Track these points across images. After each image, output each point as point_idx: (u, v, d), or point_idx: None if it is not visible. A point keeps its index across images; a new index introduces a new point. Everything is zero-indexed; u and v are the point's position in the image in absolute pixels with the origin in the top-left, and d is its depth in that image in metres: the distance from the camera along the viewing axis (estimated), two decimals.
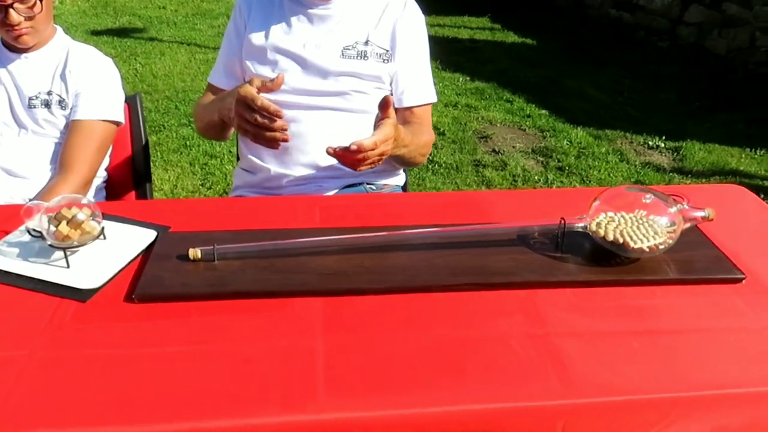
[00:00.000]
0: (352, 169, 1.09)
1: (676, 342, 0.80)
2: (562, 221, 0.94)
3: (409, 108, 1.37)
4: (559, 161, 2.99)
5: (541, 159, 3.02)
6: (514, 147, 3.13)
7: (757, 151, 3.23)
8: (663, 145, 3.25)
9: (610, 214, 0.96)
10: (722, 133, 3.44)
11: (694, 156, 3.12)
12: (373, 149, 1.05)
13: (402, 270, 0.90)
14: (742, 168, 3.05)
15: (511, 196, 1.15)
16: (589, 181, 2.81)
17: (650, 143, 3.26)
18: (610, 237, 0.91)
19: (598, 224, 0.94)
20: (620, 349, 0.78)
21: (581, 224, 0.95)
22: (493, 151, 3.08)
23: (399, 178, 1.48)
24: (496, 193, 1.10)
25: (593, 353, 0.77)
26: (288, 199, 1.16)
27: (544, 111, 3.59)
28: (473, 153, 3.03)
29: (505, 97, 3.77)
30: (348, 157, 1.05)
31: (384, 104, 1.08)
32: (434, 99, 1.41)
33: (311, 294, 0.86)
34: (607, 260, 0.93)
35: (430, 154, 3.05)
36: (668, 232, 0.91)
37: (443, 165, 2.91)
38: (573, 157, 3.03)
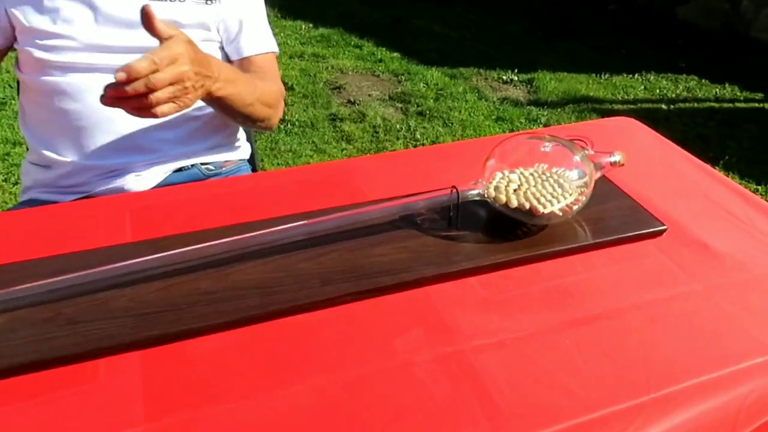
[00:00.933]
0: (138, 115, 0.75)
1: (615, 329, 0.64)
2: (454, 190, 0.74)
3: (247, 58, 1.08)
4: (418, 106, 2.82)
5: (400, 105, 2.85)
6: (369, 95, 2.92)
7: (602, 76, 3.29)
8: (516, 78, 3.20)
9: (507, 172, 0.77)
10: (568, 61, 3.47)
11: (546, 86, 3.11)
12: (153, 71, 0.71)
13: (254, 289, 0.65)
14: (592, 93, 3.09)
15: (383, 161, 0.94)
16: (452, 124, 2.69)
17: (504, 78, 3.21)
18: (514, 203, 0.72)
19: (497, 188, 0.74)
20: (554, 353, 0.60)
21: (476, 190, 0.75)
22: (349, 102, 2.84)
23: (241, 151, 1.20)
24: (364, 159, 0.86)
25: (522, 367, 0.59)
26: (84, 204, 0.84)
27: (395, 54, 3.40)
28: (327, 106, 2.78)
29: (353, 43, 3.52)
30: (120, 95, 0.70)
31: (144, 16, 0.74)
32: (276, 48, 1.12)
33: (122, 349, 0.59)
34: (513, 232, 0.75)
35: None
36: (579, 188, 0.74)
37: (297, 123, 2.63)
38: (432, 100, 2.89)
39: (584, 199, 0.74)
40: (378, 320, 0.64)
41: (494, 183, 0.75)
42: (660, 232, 0.76)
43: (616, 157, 0.79)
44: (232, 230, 0.71)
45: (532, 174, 0.76)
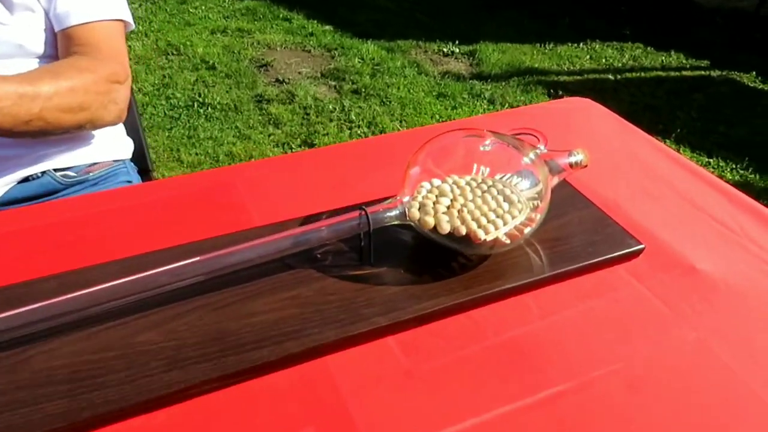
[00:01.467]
0: None
1: (586, 408, 0.45)
2: (363, 213, 0.54)
3: (65, 31, 0.81)
4: (353, 83, 2.60)
5: (333, 83, 2.61)
6: (299, 73, 2.67)
7: (546, 46, 3.14)
8: (458, 50, 3.01)
9: (438, 182, 0.57)
10: (512, 31, 3.30)
11: (489, 58, 2.93)
12: None
13: (63, 384, 0.44)
14: (537, 65, 2.93)
15: (287, 164, 0.72)
16: (390, 102, 2.48)
17: (445, 50, 3.01)
18: (445, 227, 0.53)
19: (423, 207, 0.55)
20: None
21: (394, 211, 0.55)
22: (277, 81, 2.59)
23: (118, 149, 0.96)
24: (254, 165, 0.62)
25: None
26: None
27: (328, 27, 3.15)
28: (253, 87, 2.52)
29: (282, 15, 3.24)
30: None
31: None
32: (114, 14, 0.84)
33: None
34: (446, 266, 0.55)
35: (199, 95, 2.50)
36: (531, 200, 0.55)
37: (218, 107, 2.36)
38: (368, 77, 2.66)
39: (539, 216, 0.55)
40: (251, 416, 0.44)
41: (419, 199, 0.55)
42: (636, 253, 0.59)
43: (578, 157, 0.61)
44: (49, 284, 0.50)
45: (469, 184, 0.57)
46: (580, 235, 0.59)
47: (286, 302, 0.51)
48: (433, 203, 0.55)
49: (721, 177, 1.76)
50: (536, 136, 0.63)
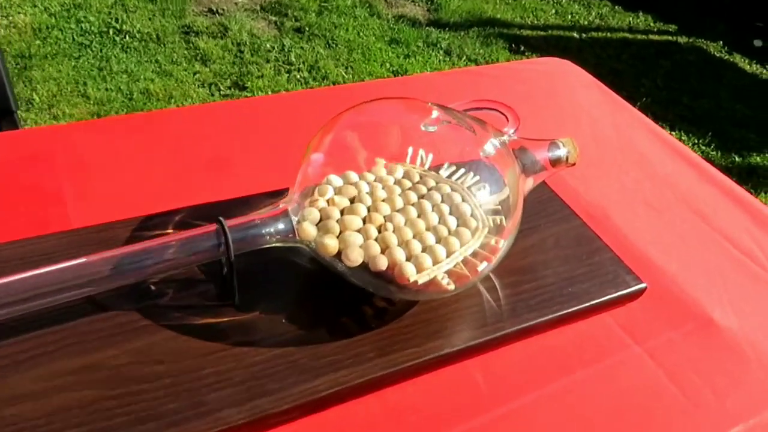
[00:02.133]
0: None
1: None
2: (219, 226, 0.33)
3: None
4: (296, 20, 2.32)
5: (274, 19, 2.32)
6: (236, 4, 2.36)
7: None
8: None
9: (354, 178, 0.37)
10: None
11: (449, 4, 2.69)
12: None
13: None
14: (499, 16, 2.71)
15: (137, 128, 0.50)
16: (336, 45, 2.22)
17: None
18: (356, 258, 0.33)
19: (323, 222, 0.34)
20: None
21: (275, 225, 0.34)
22: (209, 11, 2.28)
23: None
24: (98, 124, 0.38)
25: None
26: None
27: None
28: (181, 15, 2.21)
29: None
30: None
31: None
32: None
33: None
34: (356, 312, 0.36)
35: (116, 20, 2.17)
36: (493, 215, 0.36)
37: (138, 36, 2.05)
38: (313, 14, 2.38)
39: (503, 244, 0.35)
40: None
41: (318, 207, 0.35)
42: (634, 296, 0.41)
43: (562, 150, 0.41)
44: None
45: (400, 184, 0.37)
46: (556, 266, 0.41)
47: (77, 377, 0.30)
48: (341, 215, 0.35)
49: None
50: (504, 114, 0.43)
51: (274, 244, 0.34)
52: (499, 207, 0.37)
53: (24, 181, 0.42)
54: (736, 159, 2.03)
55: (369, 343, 0.34)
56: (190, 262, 0.32)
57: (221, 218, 0.33)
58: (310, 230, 0.34)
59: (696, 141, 2.09)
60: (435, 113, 0.40)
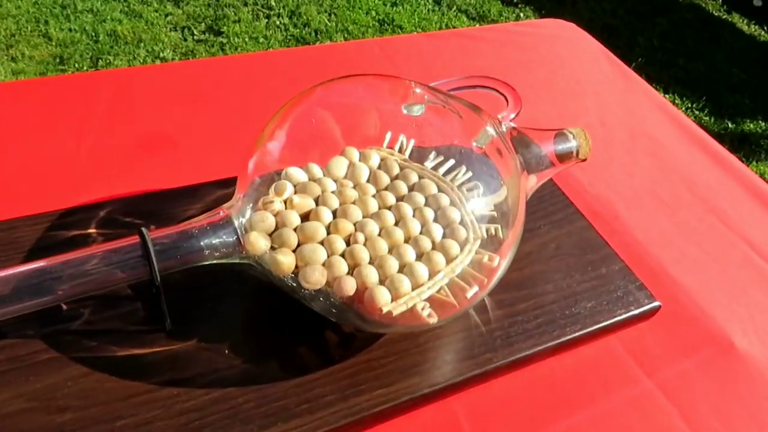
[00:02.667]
0: None
1: None
2: (141, 235, 0.26)
3: None
4: None
5: None
6: None
7: None
8: None
9: (317, 173, 0.30)
10: None
11: None
12: None
13: None
14: None
15: (70, 86, 0.43)
16: None
17: None
18: (317, 280, 0.27)
19: (277, 233, 0.28)
20: None
21: (216, 236, 0.28)
22: None
23: None
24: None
25: None
26: None
27: None
28: None
29: None
30: None
31: None
32: None
33: None
34: (316, 340, 0.30)
35: None
36: (487, 224, 0.30)
37: None
38: None
39: (499, 263, 0.29)
40: None
41: (269, 214, 0.28)
42: (645, 316, 0.35)
43: (571, 143, 0.34)
44: None
45: (374, 180, 0.30)
46: (557, 280, 0.34)
47: None
48: (300, 222, 0.28)
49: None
50: (503, 95, 0.36)
51: (214, 261, 0.27)
52: (495, 213, 0.30)
53: None
54: (729, 125, 1.98)
55: (329, 382, 0.28)
56: (106, 284, 0.25)
57: (143, 229, 0.26)
58: (259, 243, 0.27)
59: (690, 105, 2.02)
60: (419, 94, 0.32)
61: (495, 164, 0.32)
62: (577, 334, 0.32)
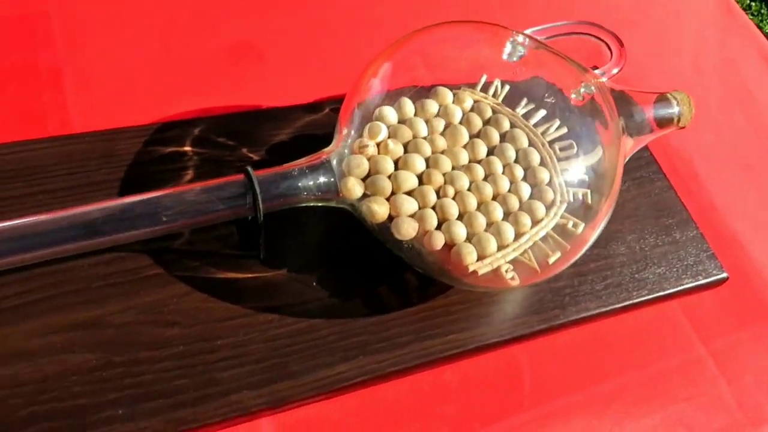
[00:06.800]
0: None
1: None
2: (247, 175, 0.27)
3: None
4: None
5: None
6: None
7: None
8: None
9: (409, 113, 0.30)
10: None
11: None
12: None
13: None
14: None
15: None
16: None
17: None
18: (408, 232, 0.28)
19: (372, 179, 0.28)
20: None
21: (313, 178, 0.28)
22: None
23: None
24: None
25: None
26: None
27: None
28: None
29: None
30: None
31: None
32: None
33: None
34: (397, 281, 0.31)
35: None
36: (578, 187, 0.30)
37: None
38: None
39: (587, 236, 0.29)
40: None
41: (364, 159, 0.29)
42: (712, 286, 0.35)
43: (674, 109, 0.33)
44: None
45: (467, 120, 0.30)
46: (630, 242, 0.35)
47: (76, 334, 0.26)
48: (394, 168, 0.29)
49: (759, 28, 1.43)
50: (607, 45, 0.34)
51: (311, 203, 0.28)
52: (587, 177, 0.30)
53: (15, 55, 0.35)
54: None
55: (407, 323, 0.30)
56: (210, 220, 0.27)
57: (249, 168, 0.27)
58: (356, 189, 0.28)
59: None
60: (520, 41, 0.31)
61: (593, 122, 0.31)
62: (642, 299, 0.33)
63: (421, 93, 0.32)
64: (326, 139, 0.33)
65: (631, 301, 0.33)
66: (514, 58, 0.32)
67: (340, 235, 0.32)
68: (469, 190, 0.29)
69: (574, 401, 0.31)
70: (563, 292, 0.32)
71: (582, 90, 0.32)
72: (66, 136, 0.32)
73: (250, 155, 0.33)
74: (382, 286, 0.31)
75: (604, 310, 0.32)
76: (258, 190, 0.26)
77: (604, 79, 0.32)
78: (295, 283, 0.30)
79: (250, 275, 0.30)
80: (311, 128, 0.35)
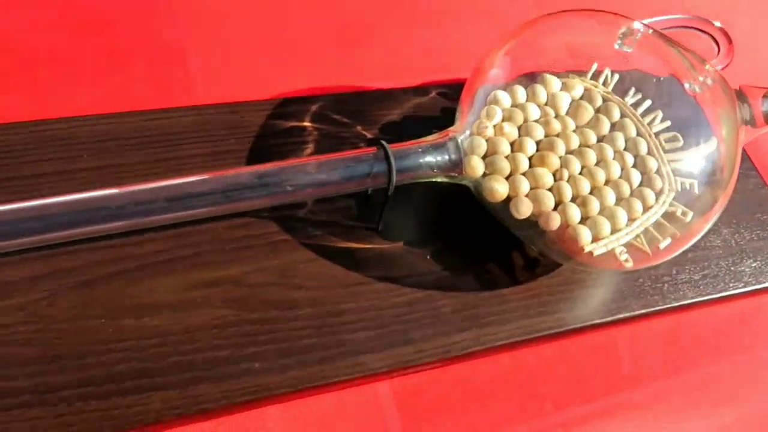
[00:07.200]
0: None
1: None
2: (382, 147, 0.28)
3: None
4: None
5: None
6: None
7: None
8: None
9: (522, 97, 0.31)
10: None
11: None
12: None
13: None
14: None
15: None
16: None
17: None
18: (525, 212, 0.29)
19: (494, 165, 0.29)
20: None
21: (438, 154, 0.30)
22: None
23: None
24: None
25: None
26: None
27: None
28: None
29: None
30: None
31: None
32: None
33: None
34: (504, 256, 0.32)
35: None
36: (689, 178, 0.31)
37: None
38: None
39: (698, 225, 0.30)
40: None
41: (483, 140, 0.30)
42: None
43: None
44: None
45: (577, 109, 0.31)
46: (725, 234, 0.36)
47: (213, 291, 0.28)
48: (510, 150, 0.30)
49: None
50: (714, 39, 0.35)
51: (433, 179, 0.30)
52: (704, 168, 0.31)
53: (141, 31, 0.37)
54: None
55: (515, 299, 0.31)
56: (340, 190, 0.28)
57: (383, 141, 0.28)
58: (479, 167, 0.29)
59: None
60: (631, 27, 0.32)
61: (710, 113, 0.32)
62: (738, 291, 0.34)
63: (534, 79, 0.33)
64: (432, 121, 0.35)
65: (727, 293, 0.34)
66: (626, 48, 0.33)
67: (450, 213, 0.33)
68: (581, 173, 0.30)
69: (671, 384, 0.32)
70: (662, 280, 0.33)
71: (700, 79, 0.33)
72: (197, 106, 0.34)
73: (364, 132, 0.34)
74: (490, 263, 0.32)
75: (701, 299, 0.33)
76: (393, 163, 0.28)
77: (715, 70, 0.33)
78: (410, 256, 0.31)
79: (368, 246, 0.31)
80: (419, 110, 0.36)
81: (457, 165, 0.30)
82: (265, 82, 0.36)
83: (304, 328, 0.28)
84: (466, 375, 0.30)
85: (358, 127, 0.34)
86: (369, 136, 0.34)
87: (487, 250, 0.32)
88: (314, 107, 0.35)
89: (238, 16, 0.39)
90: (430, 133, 0.31)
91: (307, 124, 0.34)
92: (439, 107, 0.36)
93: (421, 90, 0.37)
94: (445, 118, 0.36)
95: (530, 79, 0.33)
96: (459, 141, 0.30)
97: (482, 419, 0.29)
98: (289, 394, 0.27)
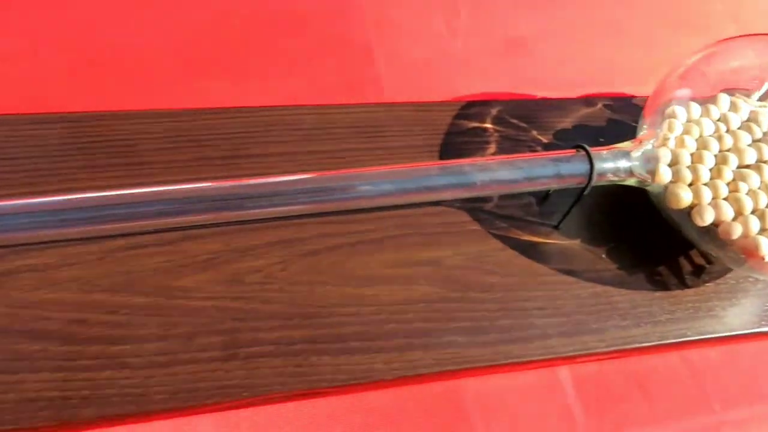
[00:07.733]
0: None
1: None
2: (584, 150, 0.31)
3: None
4: None
5: None
6: None
7: None
8: None
9: (697, 113, 0.34)
10: None
11: None
12: None
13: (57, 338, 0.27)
14: None
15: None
16: None
17: None
18: (708, 220, 0.31)
19: (678, 174, 0.32)
20: None
21: (627, 160, 0.32)
22: None
23: None
24: None
25: None
26: None
27: None
28: None
29: None
30: None
31: None
32: None
33: None
34: (672, 261, 0.35)
35: None
36: None
37: None
38: None
39: None
40: None
41: (668, 150, 0.32)
42: None
43: None
44: None
45: (748, 127, 0.33)
46: None
47: (420, 270, 0.31)
48: (691, 160, 0.32)
49: None
50: None
51: (625, 183, 0.32)
52: None
53: (332, 31, 0.41)
54: None
55: (686, 302, 0.33)
56: (539, 186, 0.31)
57: (585, 145, 0.31)
58: (666, 175, 0.32)
59: None
60: None
61: None
62: None
63: (706, 98, 0.35)
64: (600, 131, 0.37)
65: None
66: None
67: (621, 215, 0.35)
68: (759, 188, 0.32)
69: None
70: None
71: None
72: (383, 104, 0.37)
73: (540, 137, 0.37)
74: (661, 266, 0.34)
75: None
76: (594, 165, 0.30)
77: None
78: (587, 253, 0.34)
79: (548, 241, 0.34)
80: (588, 119, 0.39)
81: (647, 171, 0.32)
82: (443, 85, 0.39)
83: (500, 310, 0.31)
84: (636, 367, 0.32)
85: (534, 132, 0.37)
86: (544, 141, 0.37)
87: (657, 252, 0.34)
88: (494, 111, 0.38)
89: (417, 25, 0.42)
90: (599, 143, 0.34)
91: (488, 125, 0.37)
92: (605, 118, 0.39)
93: (588, 101, 0.39)
94: (611, 129, 0.38)
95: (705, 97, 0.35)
96: (648, 149, 0.32)
97: (653, 410, 0.31)
98: (489, 367, 0.29)
